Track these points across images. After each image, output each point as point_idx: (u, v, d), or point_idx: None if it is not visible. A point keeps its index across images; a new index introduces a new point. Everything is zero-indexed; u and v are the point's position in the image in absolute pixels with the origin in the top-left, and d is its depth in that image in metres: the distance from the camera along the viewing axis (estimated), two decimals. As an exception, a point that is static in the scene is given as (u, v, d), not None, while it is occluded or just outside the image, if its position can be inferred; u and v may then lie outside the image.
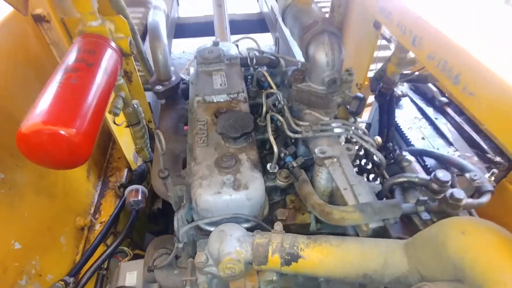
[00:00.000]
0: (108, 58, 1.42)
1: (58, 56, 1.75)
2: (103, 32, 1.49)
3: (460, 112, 1.96)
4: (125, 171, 2.32)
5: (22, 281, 1.42)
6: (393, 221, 1.03)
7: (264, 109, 1.41)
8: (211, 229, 1.08)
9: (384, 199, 1.36)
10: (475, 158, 1.70)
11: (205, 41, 1.79)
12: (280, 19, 1.90)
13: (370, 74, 1.85)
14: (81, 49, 1.36)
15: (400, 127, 1.94)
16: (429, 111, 2.04)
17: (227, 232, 1.02)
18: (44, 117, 1.06)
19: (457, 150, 1.75)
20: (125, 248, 1.85)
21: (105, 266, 1.78)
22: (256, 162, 1.21)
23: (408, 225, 1.20)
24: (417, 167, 1.45)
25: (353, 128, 1.33)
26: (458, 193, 1.10)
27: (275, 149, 1.24)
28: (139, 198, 1.93)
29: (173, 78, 1.88)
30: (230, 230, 1.03)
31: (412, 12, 0.91)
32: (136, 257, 1.82)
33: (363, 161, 1.49)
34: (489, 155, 1.71)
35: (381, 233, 1.03)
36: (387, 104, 1.76)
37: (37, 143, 1.05)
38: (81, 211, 1.96)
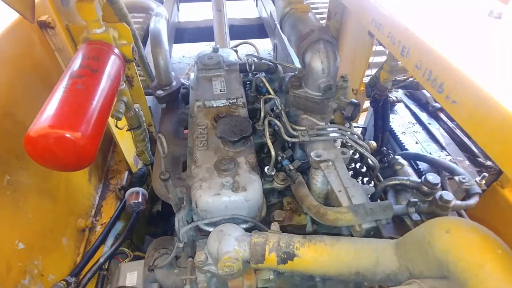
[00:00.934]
0: (112, 64, 1.46)
1: (63, 62, 1.78)
2: (107, 39, 1.53)
3: (452, 117, 2.02)
4: (126, 173, 2.34)
5: (25, 281, 1.45)
6: (385, 222, 1.07)
7: (262, 114, 1.45)
8: (210, 229, 1.11)
9: (378, 200, 1.41)
10: (467, 162, 1.75)
11: (205, 46, 1.83)
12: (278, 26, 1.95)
13: (366, 79, 1.90)
14: (86, 56, 1.40)
15: (395, 132, 1.99)
16: (423, 116, 2.09)
17: (225, 232, 1.05)
18: (51, 121, 1.09)
19: (449, 154, 1.79)
20: (126, 249, 1.87)
21: (106, 267, 1.80)
22: (254, 165, 1.25)
23: (400, 226, 1.25)
24: (409, 170, 1.50)
25: (348, 133, 1.38)
26: (447, 195, 1.15)
27: (273, 152, 1.28)
28: (139, 200, 1.95)
29: (174, 83, 1.92)
30: (229, 230, 1.06)
31: (401, 23, 0.96)
32: (136, 258, 1.84)
33: (358, 164, 1.53)
34: (480, 159, 1.76)
35: (373, 233, 1.07)
36: (381, 109, 1.81)
37: (44, 146, 1.08)
38: (83, 213, 1.99)
